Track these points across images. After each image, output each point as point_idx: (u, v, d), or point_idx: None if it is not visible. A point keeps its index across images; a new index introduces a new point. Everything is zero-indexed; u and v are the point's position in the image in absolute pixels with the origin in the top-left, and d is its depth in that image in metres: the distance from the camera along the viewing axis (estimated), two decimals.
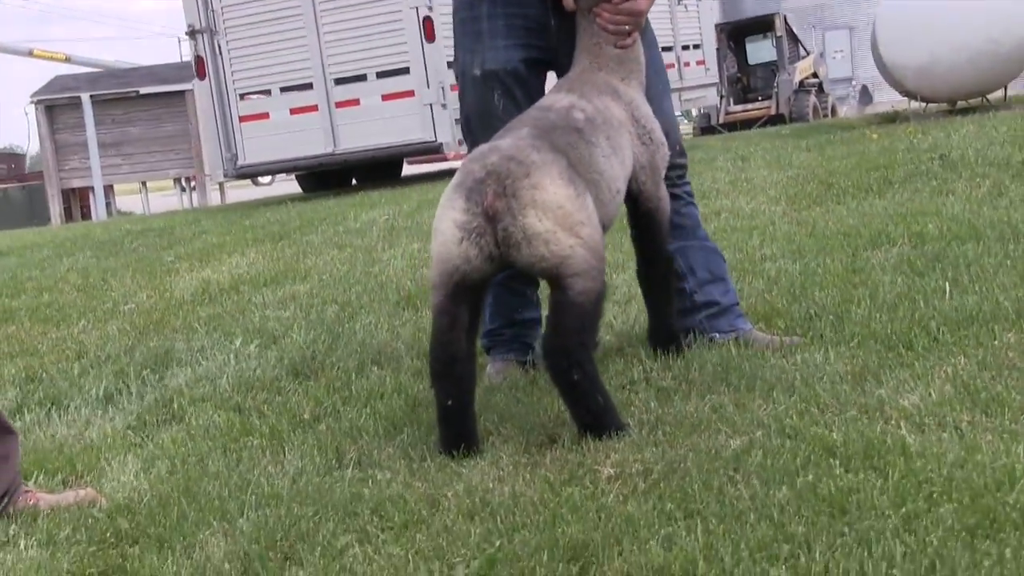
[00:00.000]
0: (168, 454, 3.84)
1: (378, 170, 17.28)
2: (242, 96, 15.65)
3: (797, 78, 28.61)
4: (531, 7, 4.05)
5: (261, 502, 3.22)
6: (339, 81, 15.21)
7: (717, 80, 23.42)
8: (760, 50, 29.22)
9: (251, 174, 16.45)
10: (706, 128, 27.39)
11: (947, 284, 4.27)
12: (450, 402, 3.40)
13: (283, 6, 15.21)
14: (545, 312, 4.55)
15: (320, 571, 2.75)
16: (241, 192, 28.29)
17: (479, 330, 3.61)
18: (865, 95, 36.98)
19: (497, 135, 3.65)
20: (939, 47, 12.41)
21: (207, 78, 15.63)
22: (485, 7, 4.08)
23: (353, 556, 2.80)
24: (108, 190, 29.67)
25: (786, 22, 29.18)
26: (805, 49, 31.01)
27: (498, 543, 2.74)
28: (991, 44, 12.39)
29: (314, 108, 15.35)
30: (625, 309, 4.90)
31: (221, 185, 27.39)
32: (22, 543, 3.20)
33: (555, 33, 4.06)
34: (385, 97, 15.04)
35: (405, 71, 14.85)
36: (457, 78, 4.24)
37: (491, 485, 3.13)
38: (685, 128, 22.34)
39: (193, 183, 29.32)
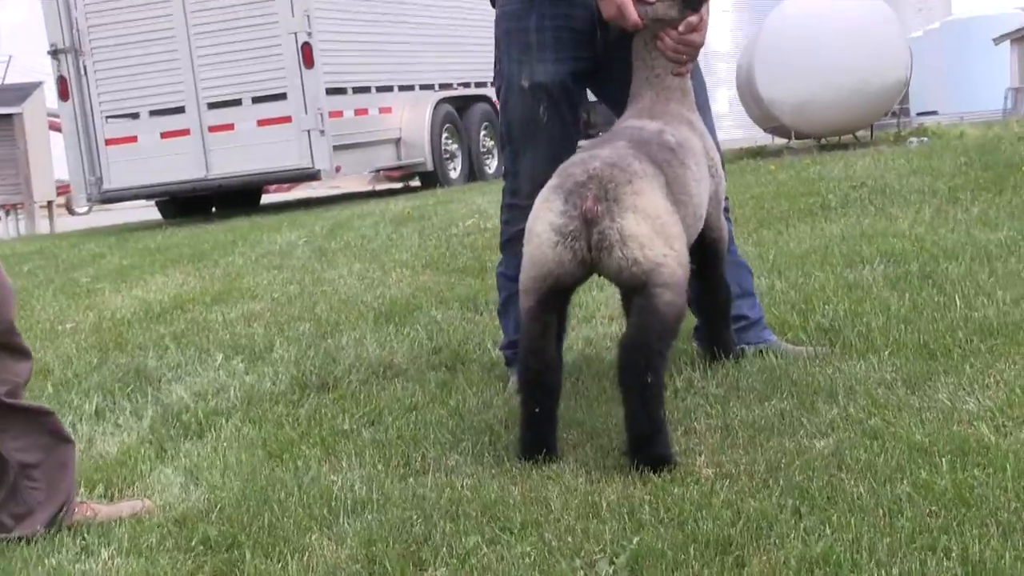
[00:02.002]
0: (210, 465, 3.77)
1: (237, 198, 17.15)
2: (108, 118, 15.34)
3: None
4: (579, 20, 4.09)
5: (355, 507, 3.20)
6: (213, 105, 15.06)
7: None
8: None
9: (117, 199, 16.06)
10: None
11: (957, 298, 4.44)
12: (537, 409, 3.39)
13: (154, 28, 15.00)
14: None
15: (457, 571, 2.74)
16: (65, 222, 27.31)
17: (564, 336, 3.60)
18: None
19: (590, 144, 3.69)
20: (816, 85, 12.87)
21: (71, 99, 15.29)
22: (534, 19, 4.11)
23: (484, 556, 2.80)
24: None
25: None
26: None
27: (635, 539, 2.77)
28: (863, 83, 12.91)
29: (186, 132, 15.16)
30: None
31: (51, 212, 26.57)
32: (104, 552, 3.12)
33: (600, 43, 4.11)
34: (261, 122, 14.92)
35: (282, 96, 14.77)
36: (498, 88, 4.26)
37: (591, 487, 3.16)
38: None
39: (20, 211, 28.18)
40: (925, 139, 13.34)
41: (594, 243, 3.30)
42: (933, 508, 2.76)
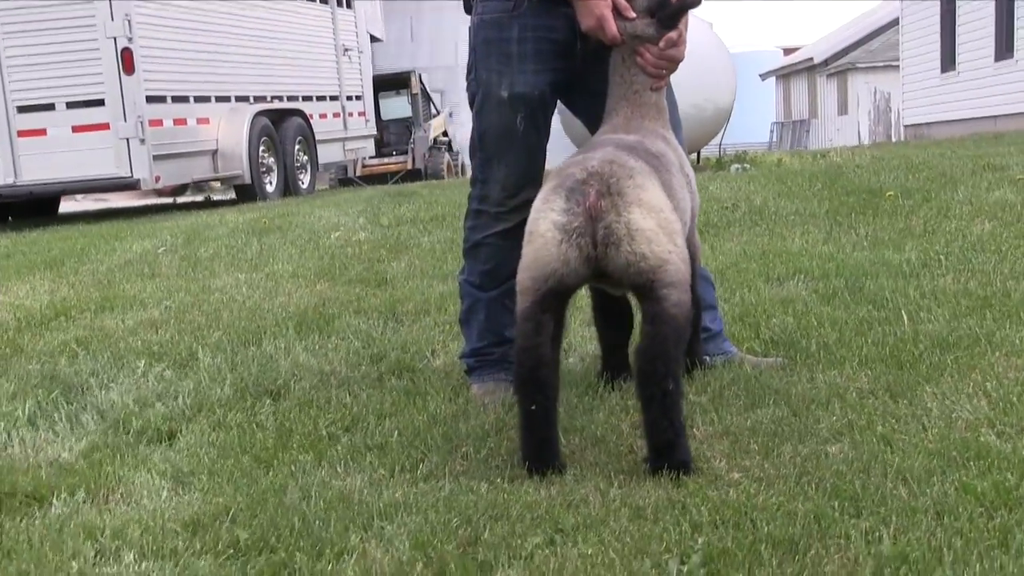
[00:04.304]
0: (193, 471, 3.64)
1: (34, 208, 16.60)
2: None
3: (432, 135, 29.39)
4: (560, 31, 4.10)
5: (386, 511, 3.13)
6: (22, 109, 14.52)
7: (375, 132, 23.71)
8: (394, 106, 29.69)
9: None
10: (344, 180, 27.53)
11: (903, 312, 4.60)
12: (534, 407, 3.37)
13: None
14: None
15: (525, 571, 2.72)
16: None
17: (562, 341, 3.59)
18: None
19: (579, 152, 3.70)
20: None
21: None
22: (516, 30, 4.10)
23: (545, 557, 2.78)
24: None
25: (421, 80, 29.84)
26: (436, 108, 31.70)
27: (700, 540, 2.79)
28: (694, 109, 13.22)
29: None
30: None
31: None
32: (125, 556, 2.98)
33: (580, 55, 4.13)
34: (76, 128, 14.46)
35: (100, 103, 14.36)
36: (473, 96, 4.23)
37: (623, 489, 3.16)
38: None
39: None
40: (747, 166, 13.75)
41: (600, 239, 3.30)
42: (981, 510, 2.85)
